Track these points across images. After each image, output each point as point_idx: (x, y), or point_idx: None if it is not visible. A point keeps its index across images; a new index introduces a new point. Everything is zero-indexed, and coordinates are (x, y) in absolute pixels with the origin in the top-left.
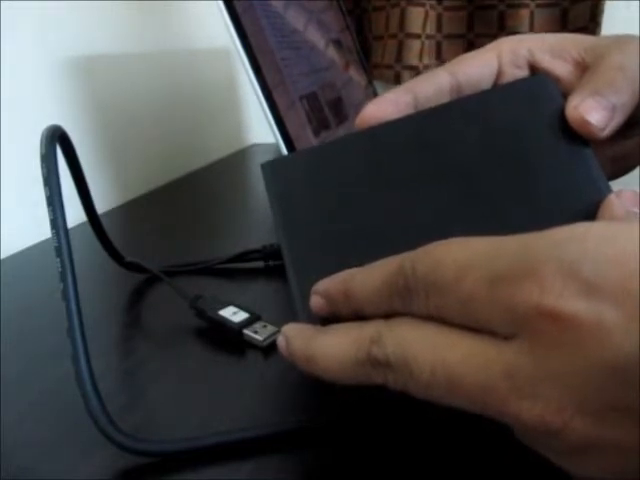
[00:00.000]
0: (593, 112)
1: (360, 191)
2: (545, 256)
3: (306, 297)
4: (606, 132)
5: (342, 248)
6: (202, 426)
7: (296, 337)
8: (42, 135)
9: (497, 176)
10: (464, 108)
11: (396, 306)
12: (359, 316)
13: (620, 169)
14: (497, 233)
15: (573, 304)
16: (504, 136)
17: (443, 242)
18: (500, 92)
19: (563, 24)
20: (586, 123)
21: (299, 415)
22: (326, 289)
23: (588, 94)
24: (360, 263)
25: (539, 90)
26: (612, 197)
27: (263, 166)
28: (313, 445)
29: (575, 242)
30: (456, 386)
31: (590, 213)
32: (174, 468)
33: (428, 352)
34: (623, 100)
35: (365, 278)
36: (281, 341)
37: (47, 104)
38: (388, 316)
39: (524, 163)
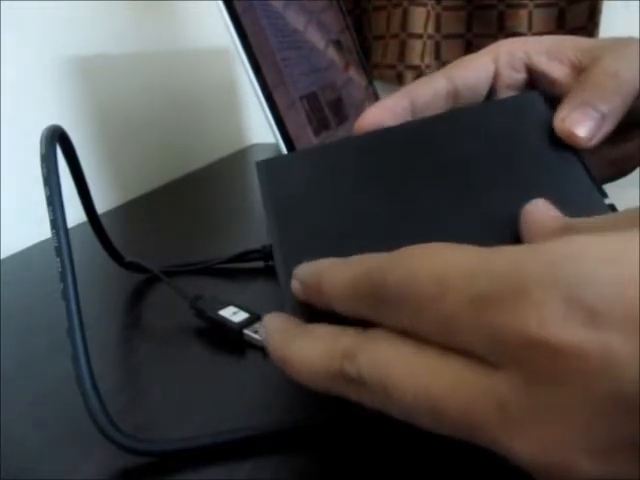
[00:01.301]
0: (580, 124)
1: (355, 193)
2: (540, 277)
3: (294, 299)
4: (594, 142)
5: (334, 250)
6: (202, 426)
7: (275, 333)
8: (42, 135)
9: (490, 185)
10: (458, 119)
11: (363, 312)
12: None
13: (620, 171)
14: (492, 239)
15: (577, 334)
16: (496, 146)
17: (419, 249)
18: (493, 106)
19: (561, 24)
20: (573, 135)
21: (298, 415)
22: (303, 277)
23: (576, 105)
24: None
25: (530, 105)
26: (529, 208)
27: (258, 164)
28: (312, 445)
29: (572, 262)
30: (441, 416)
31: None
32: (174, 468)
33: (409, 378)
34: (612, 107)
35: (336, 273)
36: (262, 334)
37: (47, 104)
38: (365, 321)
39: (516, 172)
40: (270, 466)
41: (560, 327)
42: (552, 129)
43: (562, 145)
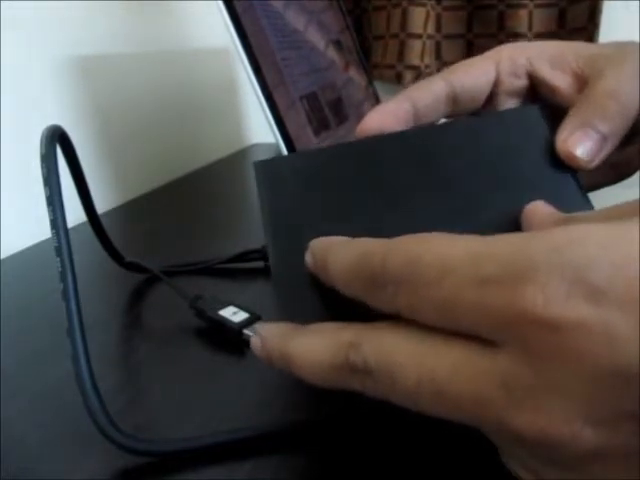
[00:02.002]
0: (581, 146)
1: (352, 201)
2: (545, 260)
3: (287, 301)
4: (594, 164)
5: None
6: (202, 426)
7: (273, 336)
8: (42, 135)
9: (485, 198)
10: (458, 131)
11: (361, 294)
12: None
13: (621, 174)
14: None
15: (580, 311)
16: (493, 160)
17: (423, 235)
18: (493, 118)
19: (561, 24)
20: (574, 157)
21: (298, 415)
22: (314, 251)
23: (577, 125)
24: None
25: (529, 119)
26: (531, 207)
27: (255, 165)
28: (313, 445)
29: (576, 247)
30: (445, 398)
31: None
32: (174, 468)
33: (413, 360)
34: (614, 128)
35: (340, 253)
36: (255, 341)
37: (47, 104)
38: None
39: (510, 187)
40: (270, 466)
41: (563, 305)
42: (550, 145)
43: (559, 163)
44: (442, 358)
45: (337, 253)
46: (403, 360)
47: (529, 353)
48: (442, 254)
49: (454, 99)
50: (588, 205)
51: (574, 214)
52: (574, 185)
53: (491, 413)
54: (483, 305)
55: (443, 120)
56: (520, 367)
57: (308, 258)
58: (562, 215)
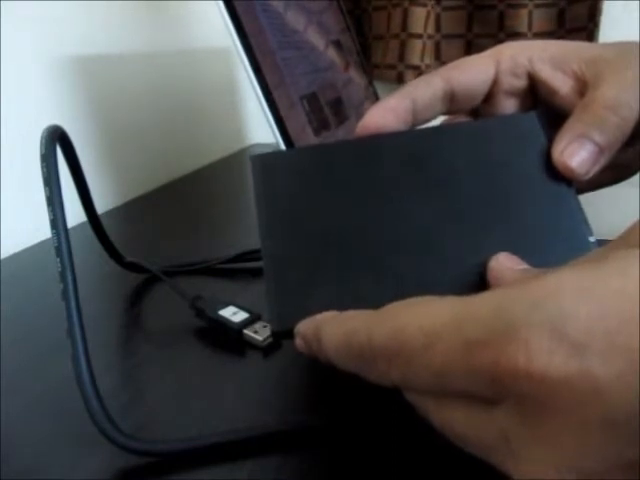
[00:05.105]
0: (577, 158)
1: (346, 201)
2: (524, 318)
3: (278, 297)
4: (590, 175)
5: (322, 251)
6: (202, 426)
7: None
8: (42, 135)
9: (482, 203)
10: (455, 136)
11: (357, 371)
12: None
13: (621, 175)
14: (474, 257)
15: (562, 367)
16: (489, 168)
17: (402, 305)
18: (492, 123)
19: (561, 24)
20: (570, 169)
21: (299, 415)
22: (304, 334)
23: (574, 136)
24: (335, 273)
25: (527, 127)
26: (492, 264)
27: (252, 159)
28: (313, 445)
29: (552, 300)
30: (463, 443)
31: (566, 250)
32: (174, 468)
33: (437, 412)
34: (611, 140)
35: (331, 332)
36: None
37: (47, 104)
38: None
39: (506, 197)
40: (270, 466)
41: (546, 361)
42: (546, 152)
43: (556, 173)
44: (457, 411)
45: (328, 333)
46: (428, 407)
47: (521, 407)
48: (425, 322)
49: (452, 97)
50: (582, 213)
51: (532, 271)
52: (569, 192)
53: (497, 459)
54: (472, 367)
55: (441, 117)
56: (515, 422)
57: (299, 342)
58: (526, 274)
